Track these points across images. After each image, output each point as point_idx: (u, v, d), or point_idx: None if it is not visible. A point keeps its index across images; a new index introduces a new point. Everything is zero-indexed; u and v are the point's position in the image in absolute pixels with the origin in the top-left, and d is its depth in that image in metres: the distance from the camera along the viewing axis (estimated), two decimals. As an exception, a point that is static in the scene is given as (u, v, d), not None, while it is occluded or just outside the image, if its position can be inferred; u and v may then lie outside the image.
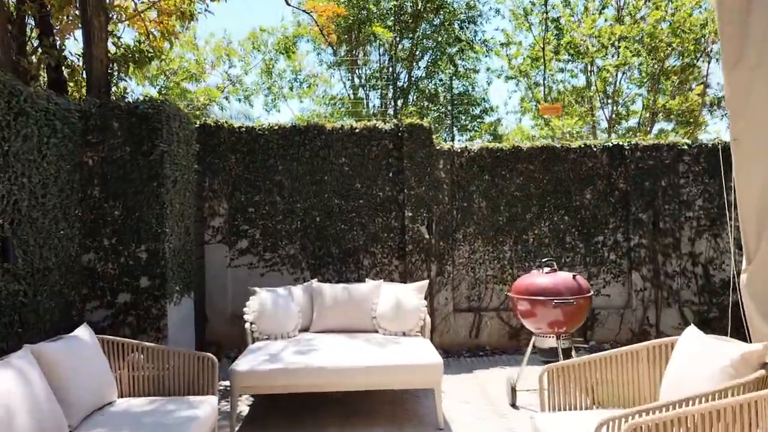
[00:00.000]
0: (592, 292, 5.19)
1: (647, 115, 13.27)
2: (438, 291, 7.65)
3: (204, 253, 7.64)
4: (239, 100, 16.20)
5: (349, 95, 16.80)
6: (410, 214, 7.66)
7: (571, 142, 7.97)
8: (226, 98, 15.47)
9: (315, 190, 7.72)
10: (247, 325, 5.79)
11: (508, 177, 7.85)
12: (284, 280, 7.58)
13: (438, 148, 7.80)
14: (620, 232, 7.86)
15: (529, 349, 5.37)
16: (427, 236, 7.66)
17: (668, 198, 7.79)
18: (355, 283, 6.50)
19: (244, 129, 7.76)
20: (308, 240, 7.71)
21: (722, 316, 7.69)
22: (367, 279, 6.66)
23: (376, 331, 6.03)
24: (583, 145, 7.90)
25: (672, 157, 7.79)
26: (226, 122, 7.93)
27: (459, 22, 16.22)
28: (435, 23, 15.74)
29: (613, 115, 12.50)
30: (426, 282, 6.26)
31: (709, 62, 12.90)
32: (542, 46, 12.49)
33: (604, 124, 13.68)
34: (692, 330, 3.70)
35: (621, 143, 7.88)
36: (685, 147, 7.81)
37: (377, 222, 7.74)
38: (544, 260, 5.40)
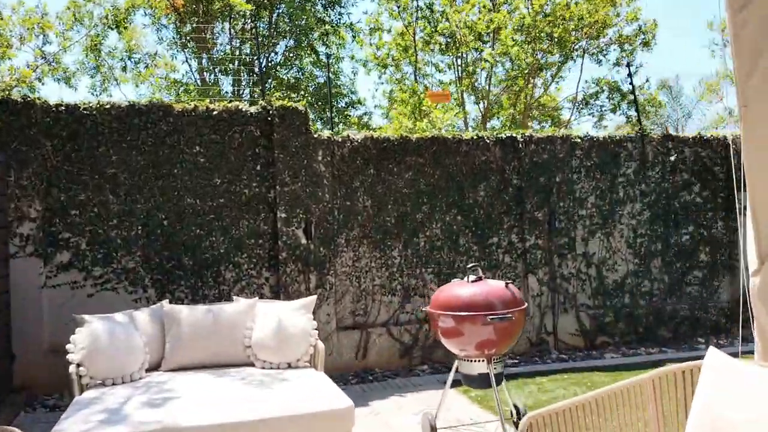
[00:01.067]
0: (526, 304, 4.42)
1: (519, 109, 13.35)
2: (318, 306, 6.54)
3: (8, 270, 5.83)
4: (58, 80, 13.77)
5: (196, 81, 15.00)
6: (284, 215, 6.48)
7: (462, 134, 7.29)
8: (40, 79, 13.03)
9: (161, 186, 6.25)
10: (72, 368, 4.25)
11: (395, 171, 6.97)
12: (122, 303, 6.01)
13: (316, 136, 6.70)
14: (515, 233, 7.32)
15: (451, 376, 4.47)
16: (304, 241, 6.53)
17: (563, 195, 7.40)
18: (220, 303, 5.19)
19: (64, 108, 6.06)
20: (152, 250, 6.21)
21: (617, 320, 7.44)
22: (236, 297, 5.38)
23: (253, 364, 4.78)
24: (475, 137, 7.25)
25: (566, 151, 7.41)
26: (38, 98, 6.18)
27: (323, 2, 15.14)
28: (296, 1, 14.48)
29: (483, 112, 12.29)
30: (313, 298, 5.14)
31: (582, 57, 13.24)
32: (412, 34, 11.95)
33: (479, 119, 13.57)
34: (716, 355, 2.91)
35: (514, 135, 7.35)
36: (578, 140, 7.47)
37: (242, 225, 6.45)
38: (469, 266, 4.55)
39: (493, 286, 4.27)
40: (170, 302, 5.48)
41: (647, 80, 14.17)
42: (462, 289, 4.29)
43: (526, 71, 11.65)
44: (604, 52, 13.80)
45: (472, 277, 4.40)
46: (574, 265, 7.41)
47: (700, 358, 6.20)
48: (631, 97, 14.72)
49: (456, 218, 7.16)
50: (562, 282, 7.36)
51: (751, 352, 3.02)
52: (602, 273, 7.55)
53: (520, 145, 7.29)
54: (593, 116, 15.01)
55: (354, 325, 6.85)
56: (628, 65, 8.04)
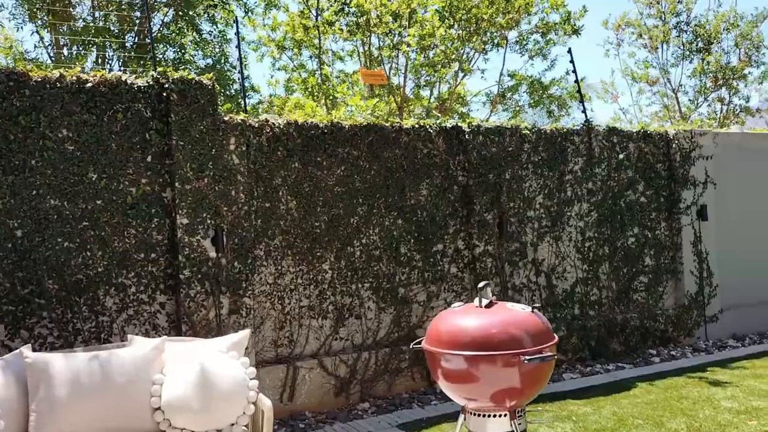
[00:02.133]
0: (557, 336, 3.44)
1: (434, 104, 12.55)
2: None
3: None
4: None
5: (50, 56, 12.53)
6: (185, 220, 5.05)
7: (401, 122, 6.25)
8: None
9: (12, 183, 4.59)
10: None
11: (325, 165, 5.78)
12: (-48, 347, 4.29)
13: (227, 119, 5.34)
14: (461, 238, 6.39)
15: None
16: (213, 254, 5.14)
17: (513, 194, 6.60)
18: (109, 346, 3.74)
19: None
20: (0, 270, 4.55)
21: (570, 334, 6.76)
22: (133, 336, 3.91)
23: (165, 435, 3.40)
24: (417, 126, 6.24)
25: (515, 144, 6.62)
26: None
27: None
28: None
29: (399, 104, 11.36)
30: (246, 333, 3.84)
31: (505, 45, 12.61)
32: (314, 12, 10.69)
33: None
34: None
35: (460, 125, 6.44)
36: (527, 132, 6.71)
37: (128, 235, 4.95)
38: (479, 285, 3.50)
39: (514, 313, 3.26)
40: (32, 346, 3.88)
41: (567, 72, 14.16)
42: (471, 317, 3.24)
43: (452, 57, 10.88)
44: (525, 42, 13.45)
45: (483, 300, 3.36)
46: (525, 273, 6.64)
47: (660, 374, 5.47)
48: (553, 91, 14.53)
49: (396, 222, 6.10)
50: (513, 294, 6.55)
51: None
52: (552, 282, 6.85)
53: (467, 137, 6.38)
54: (508, 112, 14.67)
55: (277, 359, 5.55)
56: (570, 51, 7.47)
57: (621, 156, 7.20)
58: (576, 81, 7.51)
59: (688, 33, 14.23)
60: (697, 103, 14.96)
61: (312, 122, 5.76)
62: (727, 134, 8.20)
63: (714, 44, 14.01)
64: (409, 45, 10.08)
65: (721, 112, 15.46)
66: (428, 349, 3.35)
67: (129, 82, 5.02)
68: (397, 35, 10.26)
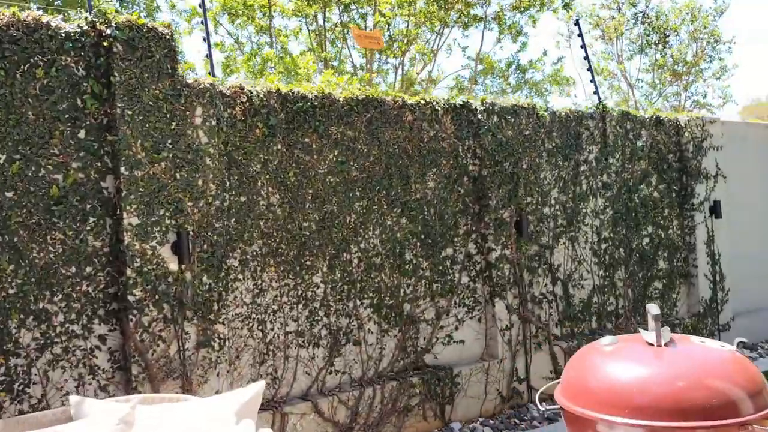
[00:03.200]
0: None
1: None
2: (204, 379, 3.87)
3: None
4: None
5: None
6: (135, 220, 3.70)
7: (404, 97, 5.11)
8: None
9: None
10: None
11: (315, 149, 4.56)
12: None
13: (191, 83, 4.02)
14: (472, 240, 5.34)
15: None
16: (174, 266, 3.81)
17: (531, 187, 5.62)
18: (31, 420, 2.39)
19: None
20: None
21: (592, 351, 5.84)
22: (78, 400, 2.57)
23: None
24: (422, 102, 5.13)
25: (532, 127, 5.65)
26: None
27: None
28: None
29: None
30: (260, 387, 2.61)
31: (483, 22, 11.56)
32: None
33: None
34: None
35: (470, 101, 5.38)
36: (543, 114, 5.76)
37: (54, 241, 3.54)
38: (651, 309, 2.43)
39: (712, 355, 2.22)
40: None
41: (545, 53, 13.44)
42: (648, 364, 2.17)
43: (418, 32, 9.82)
44: (503, 20, 12.51)
45: (649, 335, 2.29)
46: (544, 282, 5.67)
47: None
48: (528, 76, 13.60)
49: (399, 221, 4.96)
50: (533, 307, 5.57)
51: None
52: (569, 291, 5.93)
53: (479, 116, 5.34)
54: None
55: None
56: (577, 22, 6.62)
57: (639, 144, 6.40)
58: (586, 57, 6.65)
59: (645, 25, 13.99)
60: (652, 98, 14.80)
61: (298, 92, 4.52)
62: (732, 123, 7.64)
63: (671, 37, 13.84)
64: (383, 15, 8.94)
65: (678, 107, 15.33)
66: (574, 410, 2.26)
67: (54, 25, 3.62)
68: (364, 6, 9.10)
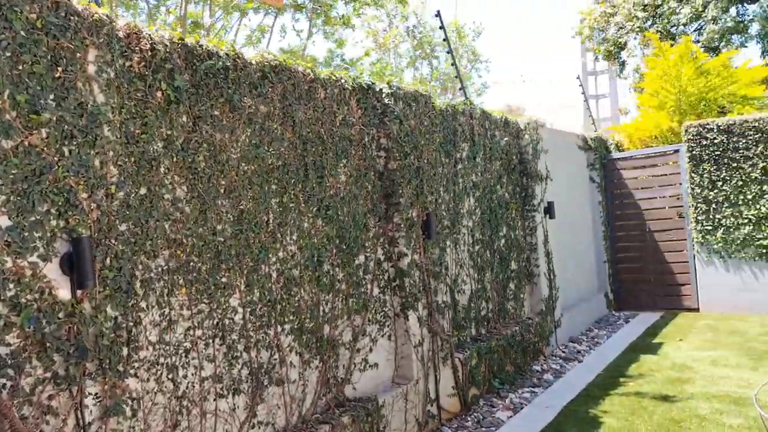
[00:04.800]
0: None
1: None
2: (115, 468, 2.52)
3: None
4: None
5: None
6: (5, 222, 2.24)
7: (314, 70, 4.15)
8: None
9: None
10: None
11: (227, 125, 3.40)
12: None
13: (81, 11, 2.61)
14: (380, 245, 4.59)
15: None
16: (66, 294, 2.41)
17: (432, 184, 5.06)
18: None
19: None
20: None
21: (480, 360, 5.50)
22: None
23: None
24: (332, 78, 4.23)
25: (429, 118, 5.10)
26: None
27: None
28: None
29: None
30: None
31: None
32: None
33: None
34: None
35: (375, 82, 4.64)
36: (437, 104, 5.26)
37: None
38: None
39: None
40: None
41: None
42: None
43: None
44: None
45: None
46: (445, 289, 5.16)
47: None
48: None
49: (316, 222, 4.01)
50: (438, 317, 5.01)
51: None
52: (455, 296, 5.53)
53: (387, 101, 4.64)
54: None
55: (176, 487, 2.96)
56: (438, 14, 6.23)
57: (503, 142, 6.33)
58: (449, 51, 6.36)
59: (417, 39, 14.58)
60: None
61: (209, 48, 3.33)
62: (547, 129, 8.12)
63: (440, 54, 14.65)
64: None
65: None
66: None
67: None
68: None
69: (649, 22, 13.66)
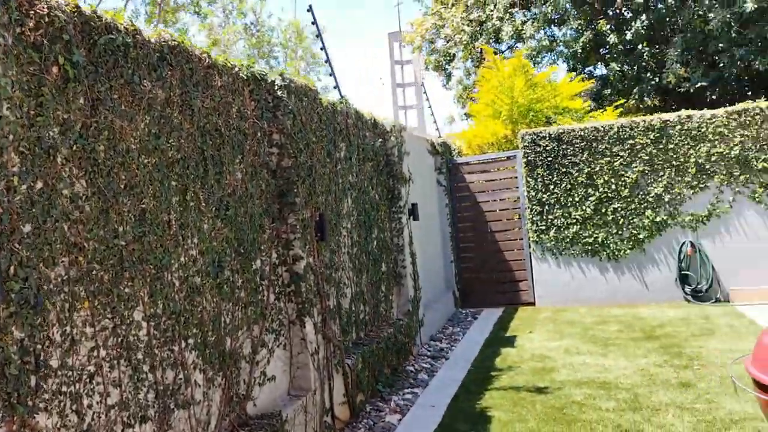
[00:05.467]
0: None
1: None
2: None
3: None
4: None
5: None
6: None
7: (210, 54, 3.72)
8: None
9: None
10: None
11: (126, 111, 2.91)
12: None
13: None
14: (275, 248, 4.26)
15: None
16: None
17: (324, 183, 4.81)
18: None
19: None
20: None
21: (365, 365, 5.36)
22: None
23: None
24: (228, 64, 3.84)
25: (318, 114, 4.85)
26: None
27: None
28: None
29: None
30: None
31: None
32: None
33: None
34: None
35: (267, 73, 4.30)
36: (323, 99, 5.02)
37: None
38: None
39: None
40: None
41: None
42: None
43: None
44: None
45: None
46: (335, 293, 4.93)
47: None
48: None
49: (216, 224, 3.60)
50: (331, 322, 4.77)
51: None
52: (339, 300, 5.33)
53: (280, 94, 4.32)
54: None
55: None
56: (310, 8, 5.93)
57: (377, 144, 6.25)
58: (323, 48, 6.12)
59: (255, 36, 14.00)
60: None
61: (107, 21, 2.83)
62: (407, 132, 8.23)
63: (278, 51, 14.22)
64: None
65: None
66: None
67: None
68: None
69: (477, 37, 14.60)
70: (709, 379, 5.28)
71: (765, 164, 8.51)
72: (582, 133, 9.23)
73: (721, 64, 12.90)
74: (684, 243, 8.86)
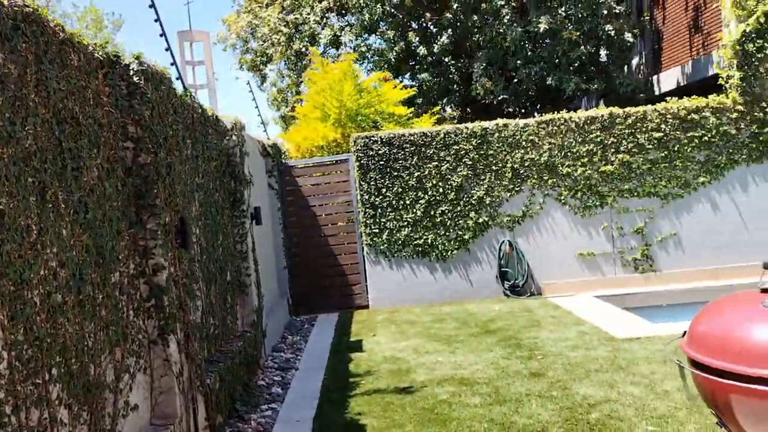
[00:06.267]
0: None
1: None
2: None
3: None
4: None
5: None
6: None
7: (63, 27, 3.07)
8: None
9: None
10: None
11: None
12: None
13: None
14: (132, 257, 3.68)
15: None
16: None
17: (181, 180, 4.26)
18: None
19: None
20: None
21: (221, 389, 4.88)
22: None
23: None
24: (82, 41, 3.21)
25: (175, 106, 4.29)
26: None
27: None
28: None
29: None
30: None
31: None
32: None
33: None
34: None
35: (119, 55, 3.69)
36: (174, 89, 4.46)
37: None
38: None
39: None
40: None
41: None
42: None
43: None
44: None
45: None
46: (195, 305, 4.40)
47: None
48: None
49: (75, 229, 2.99)
50: (193, 340, 4.23)
51: None
52: (194, 313, 4.79)
53: (137, 80, 3.74)
54: None
55: None
56: (155, 13, 5.14)
57: (223, 142, 5.76)
58: (163, 34, 5.44)
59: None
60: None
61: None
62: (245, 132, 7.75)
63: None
64: None
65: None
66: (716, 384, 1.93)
67: None
68: None
69: (294, 39, 14.42)
70: (554, 368, 5.66)
71: (568, 170, 9.47)
72: (412, 138, 9.51)
73: (519, 80, 14.17)
74: (503, 242, 9.53)
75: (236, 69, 15.28)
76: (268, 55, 14.86)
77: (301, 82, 15.35)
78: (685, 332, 2.73)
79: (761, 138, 9.44)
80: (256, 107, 9.35)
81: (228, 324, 5.97)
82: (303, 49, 14.36)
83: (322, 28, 14.90)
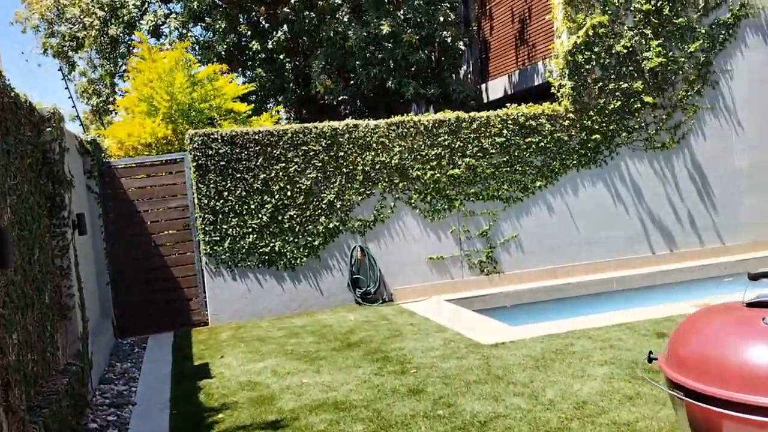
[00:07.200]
0: None
1: None
2: None
3: None
4: None
5: None
6: None
7: None
8: None
9: None
10: None
11: None
12: None
13: None
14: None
15: None
16: None
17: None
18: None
19: None
20: None
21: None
22: None
23: None
24: None
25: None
26: None
27: None
28: None
29: None
30: None
31: None
32: None
33: None
34: None
35: None
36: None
37: None
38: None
39: None
40: None
41: None
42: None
43: None
44: None
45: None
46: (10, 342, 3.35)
47: None
48: None
49: None
50: (14, 387, 3.21)
51: None
52: (5, 350, 3.71)
53: None
54: None
55: None
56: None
57: (42, 136, 4.62)
58: None
59: None
60: None
61: None
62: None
63: None
64: None
65: None
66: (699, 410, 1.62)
67: None
68: None
69: (109, 24, 12.81)
70: (432, 382, 5.33)
71: (418, 173, 9.34)
72: (257, 137, 8.77)
73: (358, 81, 13.93)
74: (355, 248, 9.15)
75: (39, 54, 13.33)
76: (79, 39, 13.09)
77: (118, 72, 13.78)
78: (650, 353, 2.47)
79: (589, 144, 10.05)
80: (70, 97, 8.11)
81: (48, 358, 4.87)
82: (120, 35, 12.87)
83: (142, 14, 13.50)
